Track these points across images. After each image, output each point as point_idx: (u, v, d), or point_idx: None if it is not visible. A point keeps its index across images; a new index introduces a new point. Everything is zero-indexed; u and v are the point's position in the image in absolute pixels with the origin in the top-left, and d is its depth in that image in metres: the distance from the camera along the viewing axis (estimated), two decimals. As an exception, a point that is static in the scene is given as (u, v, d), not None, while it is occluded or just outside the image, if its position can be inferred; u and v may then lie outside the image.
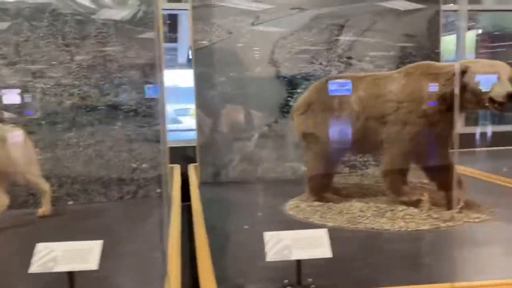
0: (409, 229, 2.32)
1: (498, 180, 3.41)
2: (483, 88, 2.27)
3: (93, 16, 3.12)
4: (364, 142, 2.67)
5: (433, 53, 4.02)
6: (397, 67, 3.86)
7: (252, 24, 3.66)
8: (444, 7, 4.04)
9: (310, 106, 2.83)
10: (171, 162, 3.69)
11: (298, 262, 1.61)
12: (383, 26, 3.85)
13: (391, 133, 2.54)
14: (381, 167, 2.76)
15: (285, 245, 1.62)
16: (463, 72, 2.35)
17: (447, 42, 7.70)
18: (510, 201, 2.89)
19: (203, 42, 3.62)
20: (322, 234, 1.68)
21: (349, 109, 2.69)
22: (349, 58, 3.81)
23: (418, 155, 2.63)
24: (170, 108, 5.12)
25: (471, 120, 5.12)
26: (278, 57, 3.71)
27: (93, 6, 3.13)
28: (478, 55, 6.32)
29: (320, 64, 3.78)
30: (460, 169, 3.75)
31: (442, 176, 2.62)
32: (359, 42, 3.82)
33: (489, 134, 4.84)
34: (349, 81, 2.79)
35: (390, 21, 3.86)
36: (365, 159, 3.90)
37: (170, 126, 4.59)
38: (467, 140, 4.79)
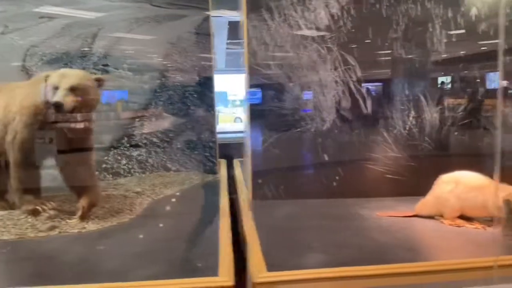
0: (-13, 238, 2.31)
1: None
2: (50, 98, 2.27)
3: None
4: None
5: (203, 60, 3.99)
6: (161, 74, 3.89)
7: (2, 33, 3.72)
8: (213, 13, 4.00)
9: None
10: None
11: None
12: (142, 33, 3.84)
13: (8, 142, 2.54)
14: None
15: None
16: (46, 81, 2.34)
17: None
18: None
19: (-50, 51, 3.70)
20: None
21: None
22: (105, 65, 3.82)
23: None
24: None
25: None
26: (30, 65, 3.76)
27: None
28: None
29: (75, 71, 3.80)
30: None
31: (78, 187, 2.62)
32: (115, 50, 3.82)
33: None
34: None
35: (150, 28, 3.85)
36: (130, 166, 3.91)
37: None
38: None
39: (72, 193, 2.67)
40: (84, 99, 2.30)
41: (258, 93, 3.79)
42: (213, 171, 4.09)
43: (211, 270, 1.77)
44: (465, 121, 3.02)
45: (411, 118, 2.99)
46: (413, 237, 2.20)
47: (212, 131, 4.09)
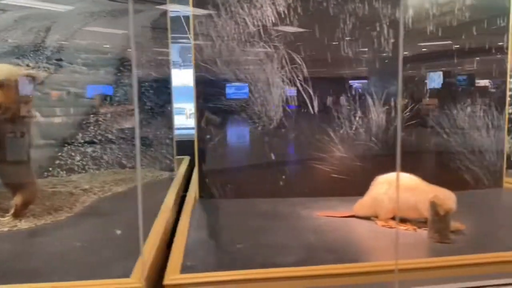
0: None
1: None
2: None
3: None
4: None
5: (161, 55, 3.95)
6: (118, 69, 3.83)
7: (-49, 25, 3.63)
8: (171, 7, 3.96)
9: None
10: None
11: None
12: (98, 27, 3.78)
13: None
14: None
15: None
16: None
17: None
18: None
19: None
20: None
21: None
22: (59, 60, 3.75)
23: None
24: None
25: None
26: (-19, 58, 3.68)
27: None
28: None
29: (28, 65, 3.73)
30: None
31: (13, 184, 2.57)
32: (69, 44, 3.75)
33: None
34: None
35: (106, 23, 3.79)
36: (84, 163, 3.85)
37: None
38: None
39: (8, 190, 2.61)
40: (11, 95, 2.24)
41: (245, 87, 3.72)
42: (170, 168, 4.05)
43: (126, 271, 1.74)
44: (412, 122, 3.02)
45: (357, 118, 2.98)
46: (343, 238, 2.18)
47: (169, 127, 4.06)
